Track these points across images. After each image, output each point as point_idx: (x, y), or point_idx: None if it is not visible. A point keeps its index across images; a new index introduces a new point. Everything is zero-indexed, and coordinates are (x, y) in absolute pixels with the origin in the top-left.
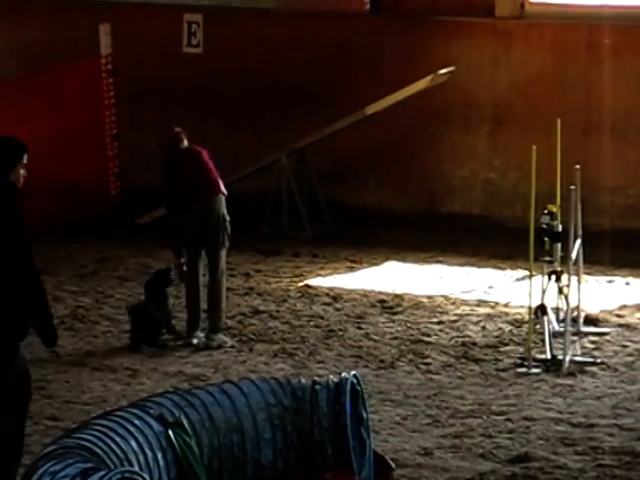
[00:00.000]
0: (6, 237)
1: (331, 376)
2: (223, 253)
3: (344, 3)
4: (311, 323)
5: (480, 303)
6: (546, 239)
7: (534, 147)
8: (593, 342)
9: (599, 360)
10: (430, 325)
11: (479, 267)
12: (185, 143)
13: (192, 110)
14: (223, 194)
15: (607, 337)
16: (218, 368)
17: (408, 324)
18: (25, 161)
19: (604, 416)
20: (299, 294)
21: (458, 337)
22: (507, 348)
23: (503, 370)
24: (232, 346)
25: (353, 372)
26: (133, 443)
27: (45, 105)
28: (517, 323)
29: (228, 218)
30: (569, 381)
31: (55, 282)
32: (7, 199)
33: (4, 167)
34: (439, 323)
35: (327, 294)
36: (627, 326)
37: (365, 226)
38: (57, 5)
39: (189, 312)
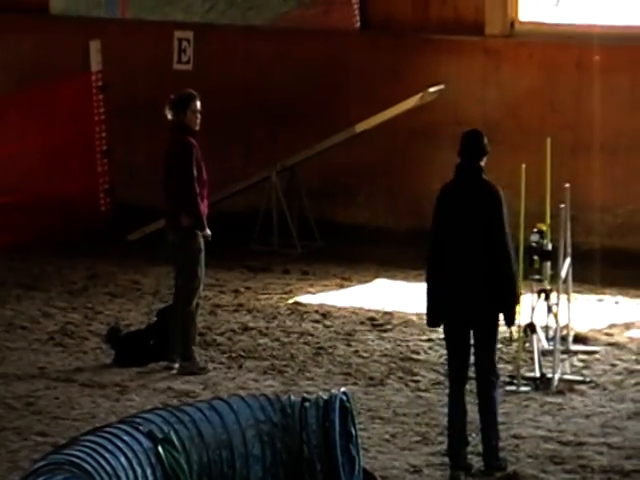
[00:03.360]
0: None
1: (320, 393)
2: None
3: (334, 20)
4: (300, 340)
5: None
6: (536, 257)
7: (523, 166)
8: (582, 360)
9: (588, 379)
10: (419, 343)
11: None
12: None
13: None
14: None
15: (596, 356)
16: (207, 385)
17: (397, 341)
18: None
19: (593, 434)
20: (289, 311)
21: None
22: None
23: None
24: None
25: (342, 389)
26: (122, 459)
27: (35, 121)
28: (506, 341)
29: None
30: (558, 399)
31: (44, 298)
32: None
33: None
34: (428, 341)
35: (317, 311)
36: (616, 345)
37: (355, 243)
38: (48, 21)
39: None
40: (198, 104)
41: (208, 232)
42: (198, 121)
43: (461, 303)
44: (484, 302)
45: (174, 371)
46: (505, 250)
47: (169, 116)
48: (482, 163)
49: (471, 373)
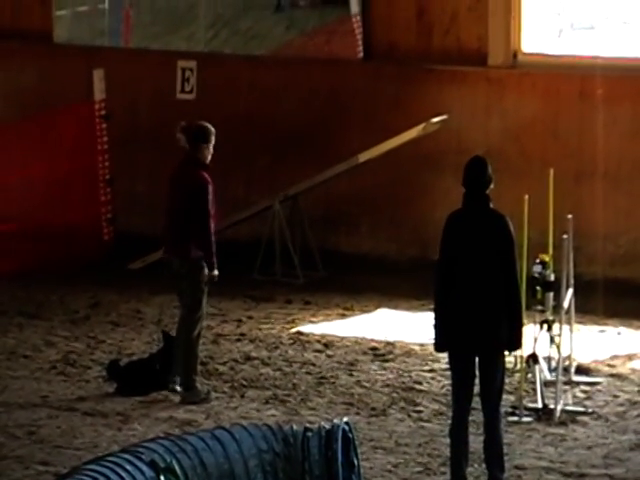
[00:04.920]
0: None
1: (323, 423)
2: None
3: (337, 50)
4: (303, 370)
5: None
6: (538, 288)
7: (526, 197)
8: (584, 391)
9: (590, 410)
10: (422, 373)
11: None
12: None
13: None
14: None
15: (598, 387)
16: (209, 414)
17: (400, 371)
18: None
19: (595, 466)
20: (291, 341)
21: (450, 385)
22: None
23: None
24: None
25: (345, 419)
26: None
27: (38, 149)
28: (509, 372)
29: None
30: (561, 430)
31: (47, 327)
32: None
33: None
34: (431, 371)
35: (319, 341)
36: (618, 376)
37: (357, 273)
38: (51, 50)
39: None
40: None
41: (216, 273)
42: (210, 157)
43: (469, 331)
44: (492, 330)
45: (177, 388)
46: (514, 279)
47: (183, 143)
48: (488, 191)
49: (475, 404)
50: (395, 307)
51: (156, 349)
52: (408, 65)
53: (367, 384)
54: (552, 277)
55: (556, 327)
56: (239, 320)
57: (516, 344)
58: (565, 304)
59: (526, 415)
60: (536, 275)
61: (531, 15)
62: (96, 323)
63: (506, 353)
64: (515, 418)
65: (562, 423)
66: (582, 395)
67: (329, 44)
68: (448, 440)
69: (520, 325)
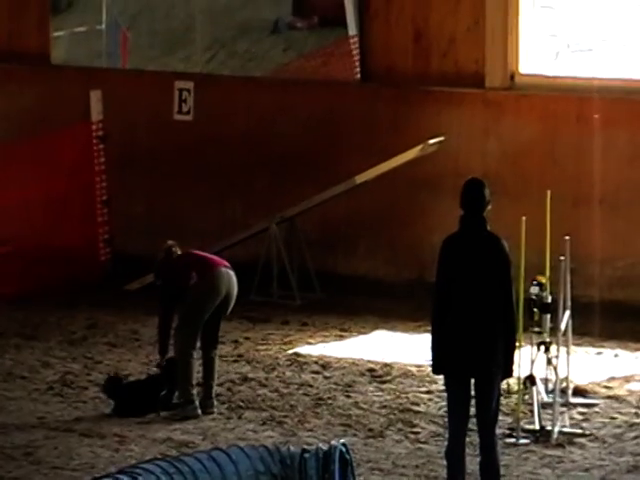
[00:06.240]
0: None
1: (320, 444)
2: None
3: (334, 72)
4: (300, 391)
5: None
6: (535, 310)
7: (524, 218)
8: (582, 413)
9: (588, 432)
10: (419, 394)
11: None
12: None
13: (182, 177)
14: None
15: (596, 409)
16: (207, 435)
17: (397, 393)
18: None
19: None
20: (288, 362)
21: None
22: None
23: None
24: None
25: (342, 440)
26: None
27: (36, 170)
28: (506, 393)
29: None
30: (558, 452)
31: (44, 348)
32: None
33: None
34: (428, 392)
35: (316, 362)
36: (616, 398)
37: (354, 295)
38: (49, 71)
39: None
40: None
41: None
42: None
43: (465, 353)
44: (488, 352)
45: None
46: (510, 303)
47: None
48: (485, 213)
49: (472, 425)
50: (392, 329)
51: (154, 371)
52: (406, 87)
53: (364, 405)
54: (549, 299)
55: (553, 349)
56: (236, 341)
57: (509, 372)
58: (562, 326)
59: (523, 437)
60: (533, 297)
61: (528, 37)
62: (93, 344)
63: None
64: (512, 440)
65: (559, 445)
66: (579, 417)
67: (326, 66)
68: (445, 462)
69: (513, 353)
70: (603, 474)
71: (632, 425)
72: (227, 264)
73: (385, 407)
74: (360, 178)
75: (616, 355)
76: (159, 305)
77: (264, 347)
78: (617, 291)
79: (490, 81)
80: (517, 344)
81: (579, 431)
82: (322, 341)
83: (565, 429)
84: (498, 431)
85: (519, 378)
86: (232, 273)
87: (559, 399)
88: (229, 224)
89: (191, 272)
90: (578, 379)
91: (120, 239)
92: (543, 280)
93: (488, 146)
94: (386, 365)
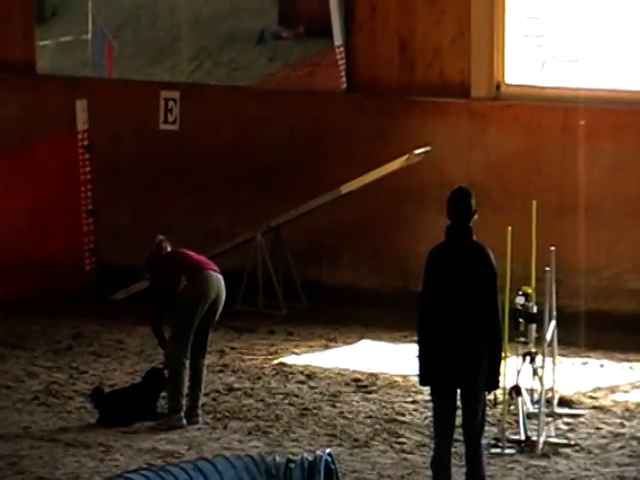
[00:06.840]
0: None
1: (305, 454)
2: None
3: (320, 82)
4: (285, 401)
5: None
6: (521, 320)
7: (509, 228)
8: (567, 424)
9: (573, 442)
10: (404, 404)
11: None
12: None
13: (167, 187)
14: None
15: (581, 419)
16: (192, 445)
17: (382, 403)
18: None
19: None
20: (274, 372)
21: (432, 417)
22: None
23: None
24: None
25: (327, 450)
26: None
27: (20, 180)
28: (491, 404)
29: None
30: (543, 462)
31: (29, 357)
32: None
33: None
34: (413, 402)
35: (302, 372)
36: (601, 408)
37: (340, 305)
38: (34, 81)
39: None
40: None
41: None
42: None
43: (451, 363)
44: (474, 363)
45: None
46: (496, 313)
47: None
48: (472, 223)
49: (457, 436)
50: (377, 339)
51: (138, 379)
52: (391, 97)
53: (350, 415)
54: (535, 309)
55: (539, 359)
56: (222, 351)
57: (494, 384)
58: (548, 336)
59: (509, 447)
60: (519, 307)
61: (514, 47)
62: (78, 354)
63: (485, 393)
64: (498, 450)
65: (545, 455)
66: (565, 427)
67: (312, 76)
68: (430, 472)
69: (499, 365)
70: None
71: (617, 435)
72: (215, 267)
73: (371, 417)
74: (345, 188)
75: (602, 365)
76: (149, 303)
77: (250, 357)
78: (602, 301)
79: (476, 91)
80: (503, 355)
81: (564, 441)
82: (308, 351)
83: (550, 439)
84: (484, 441)
85: (505, 388)
86: (220, 277)
87: (544, 409)
88: (215, 234)
89: (181, 277)
90: (564, 389)
91: (105, 249)
92: (529, 290)
93: (473, 156)
94: (372, 375)
